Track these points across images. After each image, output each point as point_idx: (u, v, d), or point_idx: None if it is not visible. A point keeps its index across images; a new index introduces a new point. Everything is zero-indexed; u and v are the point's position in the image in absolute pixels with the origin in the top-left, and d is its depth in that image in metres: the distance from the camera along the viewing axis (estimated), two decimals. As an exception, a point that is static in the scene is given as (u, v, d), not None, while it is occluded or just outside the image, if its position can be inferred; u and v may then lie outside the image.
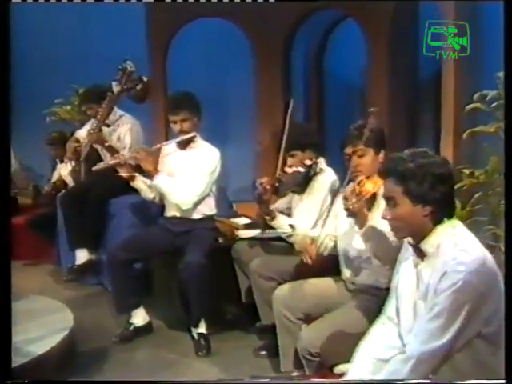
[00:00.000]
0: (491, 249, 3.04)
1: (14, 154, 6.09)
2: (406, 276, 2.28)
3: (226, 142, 6.59)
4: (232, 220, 4.43)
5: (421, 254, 2.20)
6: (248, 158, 6.33)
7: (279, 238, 3.71)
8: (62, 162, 5.84)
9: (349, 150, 2.95)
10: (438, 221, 2.16)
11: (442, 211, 2.16)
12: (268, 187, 3.36)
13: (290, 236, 3.46)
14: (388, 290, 2.48)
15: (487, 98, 3.54)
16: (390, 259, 2.55)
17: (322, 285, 3.10)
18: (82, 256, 4.79)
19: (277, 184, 3.39)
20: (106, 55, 4.84)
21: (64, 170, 5.45)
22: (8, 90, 2.61)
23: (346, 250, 3.01)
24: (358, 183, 2.81)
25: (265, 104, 6.17)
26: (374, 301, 2.78)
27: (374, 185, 2.74)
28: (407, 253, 2.30)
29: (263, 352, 3.60)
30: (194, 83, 5.90)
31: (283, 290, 3.12)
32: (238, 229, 4.23)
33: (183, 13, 5.88)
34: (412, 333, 2.17)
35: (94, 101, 4.61)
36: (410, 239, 2.24)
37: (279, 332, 3.10)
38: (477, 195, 3.75)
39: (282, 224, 3.49)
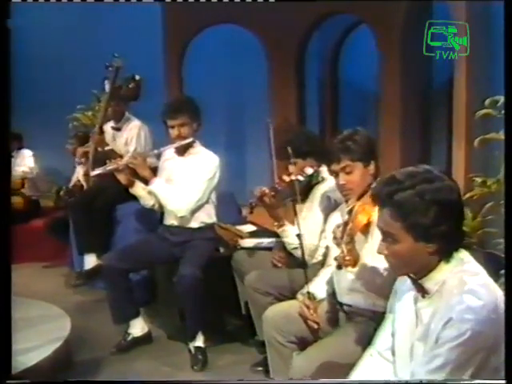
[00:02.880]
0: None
1: (35, 158, 5.92)
2: (404, 312, 1.81)
3: (242, 146, 6.27)
4: (237, 227, 3.98)
5: (422, 290, 1.72)
6: (264, 162, 5.93)
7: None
8: (80, 163, 5.55)
9: (335, 167, 2.51)
10: (444, 256, 1.67)
11: (449, 246, 1.66)
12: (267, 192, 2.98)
13: (295, 248, 2.98)
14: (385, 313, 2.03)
15: (499, 104, 3.04)
16: (385, 293, 2.11)
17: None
18: (90, 261, 4.46)
19: (273, 193, 2.97)
20: (126, 62, 4.55)
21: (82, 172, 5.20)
22: (8, 90, 2.30)
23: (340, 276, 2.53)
24: (349, 212, 2.41)
25: (279, 109, 5.85)
26: (371, 324, 2.33)
27: (368, 215, 2.31)
28: (404, 285, 1.83)
29: (260, 368, 3.18)
30: (210, 89, 5.62)
31: (274, 310, 2.65)
32: (242, 237, 3.79)
33: (198, 19, 5.64)
34: (408, 376, 1.73)
35: None
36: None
37: (270, 355, 2.63)
38: (488, 205, 3.27)
39: (289, 233, 3.04)
